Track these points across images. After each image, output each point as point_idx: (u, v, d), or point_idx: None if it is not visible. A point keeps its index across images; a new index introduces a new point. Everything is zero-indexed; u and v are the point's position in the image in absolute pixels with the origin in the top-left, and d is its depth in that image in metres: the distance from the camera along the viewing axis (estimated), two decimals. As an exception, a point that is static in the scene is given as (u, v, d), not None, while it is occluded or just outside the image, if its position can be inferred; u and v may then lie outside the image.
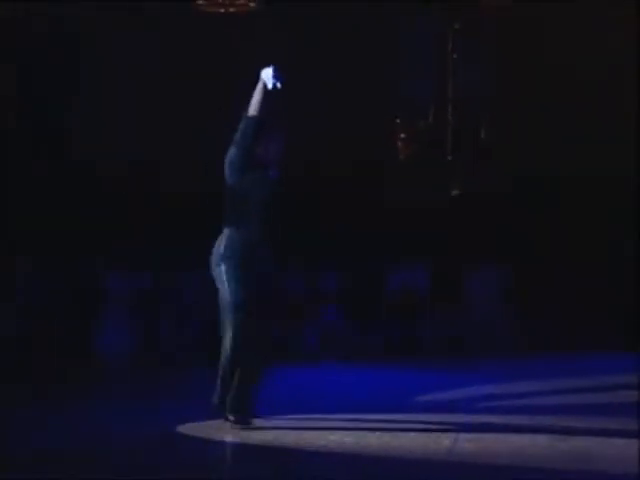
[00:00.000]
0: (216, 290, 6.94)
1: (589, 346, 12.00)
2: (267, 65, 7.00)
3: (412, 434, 6.53)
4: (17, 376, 10.85)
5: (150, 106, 15.44)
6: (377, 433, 6.55)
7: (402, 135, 16.95)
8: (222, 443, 6.40)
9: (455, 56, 16.83)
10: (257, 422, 6.68)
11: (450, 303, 13.74)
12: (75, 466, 5.71)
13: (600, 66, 15.37)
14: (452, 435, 6.34)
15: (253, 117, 6.83)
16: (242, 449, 6.29)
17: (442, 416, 7.29)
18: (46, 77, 15.62)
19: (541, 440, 6.19)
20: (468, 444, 6.05)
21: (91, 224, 13.76)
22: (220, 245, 6.74)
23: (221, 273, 6.71)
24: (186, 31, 15.62)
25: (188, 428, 6.75)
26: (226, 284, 6.67)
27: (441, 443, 6.09)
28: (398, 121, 16.88)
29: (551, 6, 16.37)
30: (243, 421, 6.62)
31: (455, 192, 16.69)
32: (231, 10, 16.56)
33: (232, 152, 6.89)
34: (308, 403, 7.82)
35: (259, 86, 6.87)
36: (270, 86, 6.84)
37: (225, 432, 6.56)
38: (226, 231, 6.74)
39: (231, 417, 6.65)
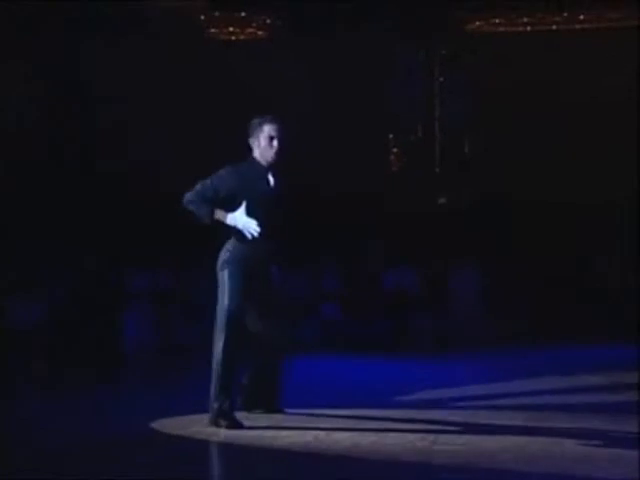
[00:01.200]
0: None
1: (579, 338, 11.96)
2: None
3: (395, 433, 6.22)
4: (45, 364, 11.27)
5: (163, 121, 15.94)
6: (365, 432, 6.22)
7: (394, 149, 17.64)
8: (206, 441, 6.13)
9: (442, 79, 17.44)
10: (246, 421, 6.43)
11: (437, 302, 14.03)
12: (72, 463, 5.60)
13: (582, 88, 15.71)
14: (433, 435, 6.04)
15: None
16: (229, 447, 6.03)
17: (428, 413, 6.99)
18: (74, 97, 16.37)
19: (526, 440, 5.86)
20: (450, 445, 5.74)
21: (117, 228, 14.31)
22: (223, 251, 6.55)
23: (223, 277, 6.49)
24: (199, 57, 16.15)
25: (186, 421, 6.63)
26: (224, 288, 6.45)
27: (424, 443, 5.80)
28: (391, 136, 17.59)
29: (533, 31, 16.96)
30: (232, 424, 6.35)
31: (442, 201, 17.29)
32: (241, 38, 17.26)
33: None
34: (303, 396, 7.44)
35: (222, 218, 6.44)
36: (247, 234, 6.43)
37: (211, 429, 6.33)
38: (231, 238, 6.54)
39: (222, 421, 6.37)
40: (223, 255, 6.57)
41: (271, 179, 6.63)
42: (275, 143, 6.58)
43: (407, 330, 13.75)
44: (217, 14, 16.99)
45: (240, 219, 6.46)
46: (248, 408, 6.79)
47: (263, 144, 6.60)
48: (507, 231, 14.88)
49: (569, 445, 5.76)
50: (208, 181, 6.59)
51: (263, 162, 6.62)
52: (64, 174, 15.79)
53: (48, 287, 13.48)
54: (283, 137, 6.61)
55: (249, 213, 6.46)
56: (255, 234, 6.41)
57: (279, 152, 6.58)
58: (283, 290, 6.84)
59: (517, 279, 14.16)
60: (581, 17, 16.77)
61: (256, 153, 6.65)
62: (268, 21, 17.01)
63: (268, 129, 6.61)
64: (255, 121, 6.70)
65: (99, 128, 16.12)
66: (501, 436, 6.06)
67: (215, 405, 6.45)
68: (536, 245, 14.46)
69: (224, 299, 6.47)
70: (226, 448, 6.05)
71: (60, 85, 16.18)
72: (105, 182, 15.35)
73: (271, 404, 6.88)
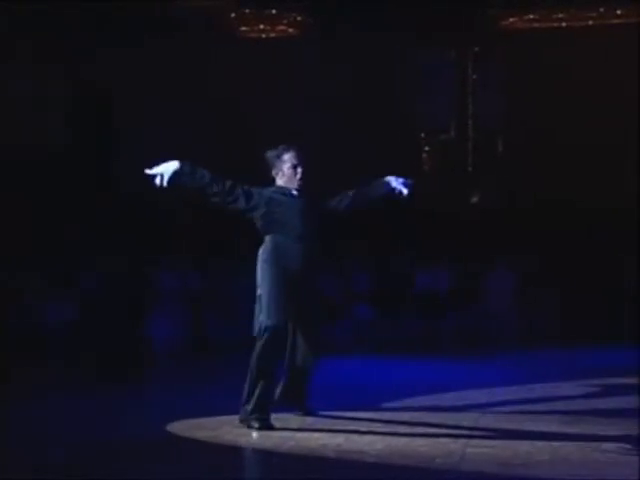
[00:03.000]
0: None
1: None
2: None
3: (428, 435, 6.24)
4: (75, 363, 11.30)
5: (190, 122, 16.12)
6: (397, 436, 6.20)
7: (426, 148, 17.61)
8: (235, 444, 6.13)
9: (475, 76, 17.39)
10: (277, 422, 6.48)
11: (469, 302, 14.02)
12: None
13: (614, 87, 15.58)
14: (466, 437, 6.05)
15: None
16: (255, 451, 6.09)
17: (460, 415, 7.00)
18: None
19: (560, 443, 5.81)
20: (483, 447, 5.73)
21: (147, 228, 14.57)
22: (261, 251, 6.68)
23: (258, 274, 6.64)
24: (229, 56, 16.31)
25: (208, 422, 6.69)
26: (260, 283, 6.58)
27: (457, 445, 5.80)
28: (423, 135, 17.58)
29: (565, 28, 16.87)
30: (263, 425, 6.42)
31: (474, 200, 17.26)
32: (272, 35, 17.32)
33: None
34: (334, 398, 7.51)
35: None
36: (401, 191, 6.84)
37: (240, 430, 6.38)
38: (265, 240, 6.68)
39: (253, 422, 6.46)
40: (261, 253, 6.72)
41: (296, 192, 6.82)
42: (299, 169, 6.76)
43: (439, 331, 13.75)
44: (247, 11, 17.04)
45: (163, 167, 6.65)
46: (283, 404, 6.89)
47: (288, 173, 6.79)
48: (541, 231, 14.79)
49: (605, 449, 5.74)
50: (243, 186, 6.76)
51: (290, 187, 6.80)
52: (95, 176, 16.00)
53: (79, 287, 13.66)
54: (304, 161, 6.81)
55: (280, 220, 6.65)
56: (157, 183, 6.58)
57: (303, 177, 6.78)
58: (319, 293, 6.96)
59: (550, 279, 14.10)
60: (618, 12, 16.63)
61: (280, 182, 6.83)
62: (299, 18, 17.03)
63: (289, 158, 6.80)
64: (272, 154, 6.86)
65: (126, 129, 16.27)
66: (535, 439, 6.04)
67: (247, 406, 6.53)
68: (569, 245, 14.38)
69: (265, 309, 6.54)
70: (256, 449, 6.08)
71: (84, 87, 16.33)
72: (126, 185, 15.52)
73: (302, 405, 6.97)
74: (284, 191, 6.76)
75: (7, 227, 13.55)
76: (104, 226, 14.52)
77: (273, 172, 6.84)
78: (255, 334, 6.57)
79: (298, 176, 6.75)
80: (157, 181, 6.63)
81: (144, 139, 16.09)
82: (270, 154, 6.85)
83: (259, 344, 6.52)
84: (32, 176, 15.26)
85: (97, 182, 15.94)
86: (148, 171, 6.67)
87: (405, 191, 6.97)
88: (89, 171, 16.05)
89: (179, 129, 15.97)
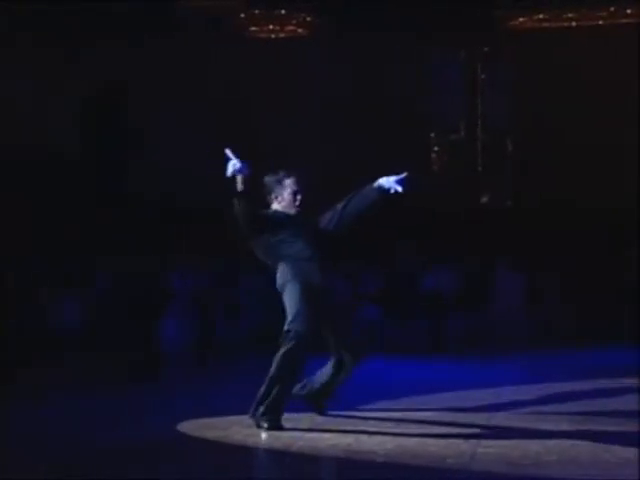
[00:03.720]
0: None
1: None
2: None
3: (438, 435, 6.25)
4: (86, 364, 11.20)
5: (199, 123, 16.08)
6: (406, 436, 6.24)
7: (436, 148, 17.62)
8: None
9: (483, 76, 17.39)
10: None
11: (476, 302, 13.94)
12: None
13: (623, 87, 15.52)
14: (477, 437, 6.08)
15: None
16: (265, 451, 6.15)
17: (469, 415, 6.98)
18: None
19: (570, 443, 5.83)
20: (494, 447, 5.74)
21: (158, 229, 14.72)
22: (279, 274, 6.71)
23: (287, 295, 6.65)
24: (236, 56, 16.23)
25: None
26: (291, 304, 6.59)
27: (468, 445, 5.81)
28: (432, 135, 17.60)
29: (575, 28, 16.84)
30: (273, 425, 6.45)
31: (484, 200, 17.25)
32: (281, 36, 17.33)
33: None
34: (343, 398, 7.39)
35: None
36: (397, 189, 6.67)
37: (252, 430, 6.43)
38: (282, 263, 6.68)
39: (263, 423, 6.50)
40: (280, 277, 6.74)
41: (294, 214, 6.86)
42: (299, 197, 6.80)
43: (447, 331, 13.70)
44: (257, 12, 17.06)
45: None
46: (304, 401, 6.95)
47: (287, 199, 6.81)
48: (549, 231, 14.77)
49: (615, 449, 5.75)
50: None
51: (287, 212, 6.82)
52: (107, 176, 16.06)
53: (91, 288, 13.73)
54: (302, 187, 6.82)
55: (287, 242, 6.69)
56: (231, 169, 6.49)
57: (302, 204, 6.80)
58: (346, 307, 7.23)
59: (558, 279, 14.07)
60: (628, 11, 16.60)
61: (277, 206, 6.84)
62: (308, 19, 17.05)
63: (290, 183, 6.82)
64: (271, 179, 6.86)
65: (137, 129, 16.34)
66: (545, 439, 6.06)
67: (260, 407, 6.55)
68: (578, 245, 14.36)
69: (291, 316, 6.59)
70: (266, 449, 6.11)
71: (94, 86, 16.38)
72: (145, 184, 15.59)
73: (322, 406, 7.01)
74: (283, 214, 6.79)
75: (20, 227, 13.64)
76: (115, 226, 14.57)
77: (271, 196, 6.83)
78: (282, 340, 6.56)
79: (297, 202, 6.77)
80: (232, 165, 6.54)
81: (151, 138, 16.20)
82: (270, 179, 6.85)
83: (284, 349, 6.52)
84: (41, 175, 15.33)
85: (108, 182, 16.00)
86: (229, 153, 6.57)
87: (400, 189, 6.76)
88: (99, 172, 16.12)
89: (183, 129, 16.03)
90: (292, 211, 6.79)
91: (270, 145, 15.15)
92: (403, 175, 6.82)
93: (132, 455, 5.89)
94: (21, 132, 15.48)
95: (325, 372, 6.92)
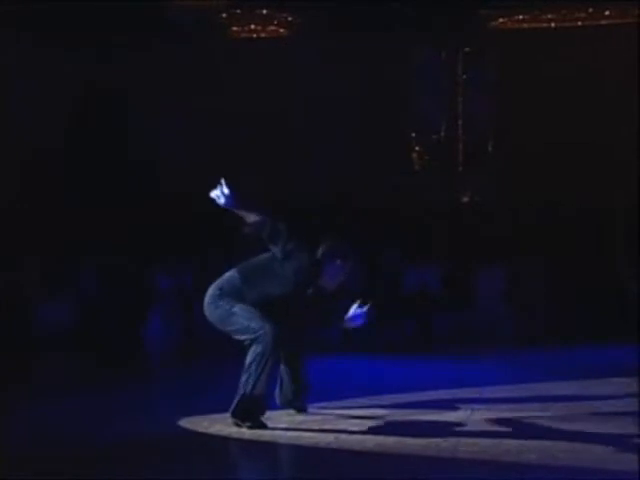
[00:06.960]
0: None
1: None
2: None
3: (419, 433, 6.23)
4: (73, 363, 11.34)
5: (185, 121, 16.21)
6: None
7: (417, 147, 17.65)
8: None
9: (464, 76, 17.43)
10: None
11: (459, 302, 14.01)
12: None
13: (604, 87, 15.66)
14: (457, 435, 6.10)
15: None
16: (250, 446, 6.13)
17: (451, 413, 7.00)
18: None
19: (550, 442, 5.83)
20: (474, 445, 5.76)
21: (144, 229, 14.70)
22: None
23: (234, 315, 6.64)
24: (222, 55, 16.41)
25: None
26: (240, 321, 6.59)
27: (448, 443, 5.83)
28: (413, 135, 17.61)
29: (555, 28, 16.91)
30: (255, 424, 6.45)
31: (465, 199, 17.29)
32: (262, 35, 17.33)
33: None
34: (325, 396, 7.53)
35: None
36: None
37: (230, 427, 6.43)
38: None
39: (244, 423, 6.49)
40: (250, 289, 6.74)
41: None
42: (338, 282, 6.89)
43: (429, 330, 13.73)
44: (238, 12, 17.06)
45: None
46: (282, 405, 7.05)
47: (332, 274, 6.85)
48: (531, 231, 14.79)
49: (594, 447, 5.77)
50: None
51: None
52: (94, 177, 16.00)
53: (76, 288, 13.69)
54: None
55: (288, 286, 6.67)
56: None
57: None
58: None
59: (540, 279, 14.10)
60: (606, 13, 16.70)
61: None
62: (290, 19, 17.06)
63: (341, 266, 6.84)
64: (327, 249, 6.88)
65: (128, 128, 16.31)
66: (525, 437, 6.07)
67: (241, 405, 6.52)
68: (560, 245, 14.36)
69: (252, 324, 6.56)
70: (248, 448, 6.08)
71: (86, 86, 16.35)
72: (134, 184, 15.55)
73: (298, 403, 7.07)
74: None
75: (6, 227, 13.60)
76: (100, 226, 14.54)
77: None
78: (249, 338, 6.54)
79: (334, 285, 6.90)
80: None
81: (145, 137, 16.17)
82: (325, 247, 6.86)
83: (257, 346, 6.48)
84: (35, 172, 15.31)
85: (102, 179, 15.95)
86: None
87: (360, 322, 6.91)
88: (91, 171, 16.06)
89: (177, 129, 16.03)
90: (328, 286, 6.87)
91: (259, 145, 15.25)
92: (363, 309, 6.92)
93: (119, 454, 5.89)
94: (11, 131, 15.46)
95: (285, 378, 7.02)
